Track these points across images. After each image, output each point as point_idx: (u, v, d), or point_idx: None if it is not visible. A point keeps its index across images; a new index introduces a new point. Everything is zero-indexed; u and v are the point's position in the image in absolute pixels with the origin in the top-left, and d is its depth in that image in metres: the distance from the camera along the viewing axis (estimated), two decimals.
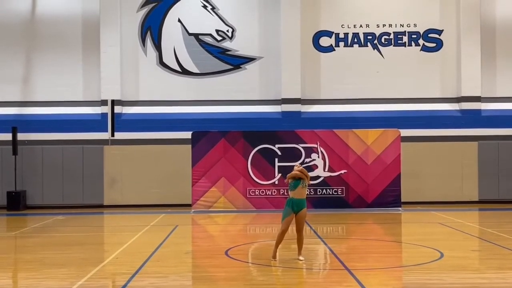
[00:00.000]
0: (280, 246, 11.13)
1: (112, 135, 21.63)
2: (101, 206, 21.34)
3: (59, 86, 21.95)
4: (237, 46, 22.28)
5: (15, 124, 21.10)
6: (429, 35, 22.39)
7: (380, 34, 22.38)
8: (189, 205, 19.87)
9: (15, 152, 20.89)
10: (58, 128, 21.56)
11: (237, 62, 22.30)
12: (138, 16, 22.24)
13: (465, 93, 21.96)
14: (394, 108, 21.96)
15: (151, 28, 22.26)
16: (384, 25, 22.42)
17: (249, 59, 22.30)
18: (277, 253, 11.16)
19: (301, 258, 10.90)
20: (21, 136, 21.12)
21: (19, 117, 21.68)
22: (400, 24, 22.43)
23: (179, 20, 22.30)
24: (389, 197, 19.50)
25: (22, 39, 22.14)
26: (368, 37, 22.36)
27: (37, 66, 22.14)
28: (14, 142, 20.88)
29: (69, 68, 22.03)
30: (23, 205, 20.96)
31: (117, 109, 21.75)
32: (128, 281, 9.32)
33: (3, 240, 14.57)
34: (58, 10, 22.21)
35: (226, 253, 11.80)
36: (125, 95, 22.07)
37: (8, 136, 20.97)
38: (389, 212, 19.07)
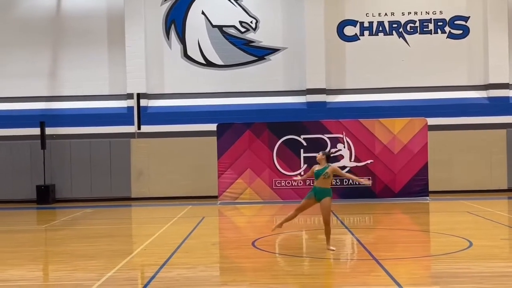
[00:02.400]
0: (306, 237, 11.10)
1: (139, 128, 21.79)
2: (129, 198, 21.54)
3: (85, 80, 22.17)
4: (261, 37, 22.24)
5: (43, 119, 21.38)
6: (455, 22, 22.08)
7: (406, 22, 22.14)
8: (215, 197, 19.95)
9: (43, 147, 21.17)
10: (85, 122, 21.79)
11: (261, 53, 22.27)
12: (162, 9, 22.32)
13: (492, 80, 21.64)
14: (421, 97, 21.74)
15: (175, 21, 22.32)
16: (409, 13, 22.17)
17: (273, 50, 22.24)
18: (283, 225, 11.32)
19: (332, 248, 10.82)
20: (49, 131, 21.39)
21: (46, 111, 21.94)
22: (426, 12, 22.16)
23: (202, 13, 22.32)
24: (417, 187, 19.32)
25: (49, 34, 22.38)
26: (393, 25, 22.14)
27: (64, 61, 22.37)
28: (43, 136, 21.16)
29: (95, 63, 22.22)
30: (52, 198, 21.25)
31: (143, 102, 21.89)
32: (157, 272, 9.40)
33: (33, 233, 14.79)
34: (84, 5, 22.39)
35: (253, 244, 11.83)
36: (151, 88, 22.20)
37: (36, 131, 21.25)
38: (417, 201, 18.92)
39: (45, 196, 21.05)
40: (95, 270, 9.70)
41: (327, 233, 10.92)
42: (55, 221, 17.11)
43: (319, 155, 11.20)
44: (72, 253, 11.43)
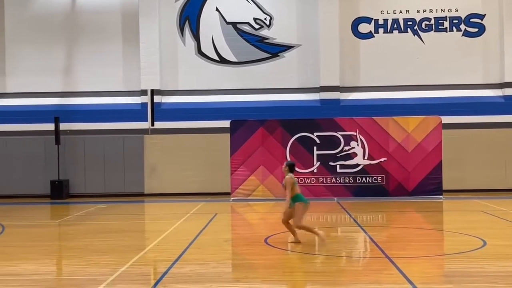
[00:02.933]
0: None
1: (152, 124, 21.85)
2: (142, 194, 21.63)
3: (99, 76, 22.27)
4: (275, 34, 22.20)
5: (57, 114, 21.50)
6: (471, 20, 21.92)
7: (421, 19, 22.01)
8: (228, 194, 19.97)
9: (57, 142, 21.30)
10: (99, 118, 21.88)
11: (275, 50, 22.24)
12: (177, 6, 22.35)
13: (508, 78, 21.47)
14: (435, 95, 21.61)
15: (189, 18, 22.35)
16: (424, 10, 22.03)
17: (287, 47, 22.20)
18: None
19: (293, 241, 11.44)
20: (63, 126, 21.52)
21: (61, 107, 22.06)
22: (441, 9, 22.02)
23: (217, 9, 22.33)
24: (430, 185, 19.23)
25: (64, 31, 22.50)
26: (408, 23, 22.02)
27: (78, 57, 22.48)
28: (57, 132, 21.28)
29: (109, 59, 22.31)
30: (66, 193, 21.38)
31: (157, 98, 21.95)
32: (169, 268, 9.42)
33: (47, 228, 14.88)
34: (98, 1, 22.48)
35: (265, 241, 11.82)
36: (164, 84, 22.25)
37: (50, 126, 21.38)
38: (430, 200, 18.83)
39: (59, 191, 21.18)
40: (108, 265, 9.74)
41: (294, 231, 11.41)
42: (68, 216, 17.20)
43: (283, 166, 11.77)
44: (85, 248, 11.49)
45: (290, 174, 11.55)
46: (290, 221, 11.65)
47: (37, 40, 22.43)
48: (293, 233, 11.66)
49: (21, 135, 21.84)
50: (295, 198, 11.44)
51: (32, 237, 13.10)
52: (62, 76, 22.51)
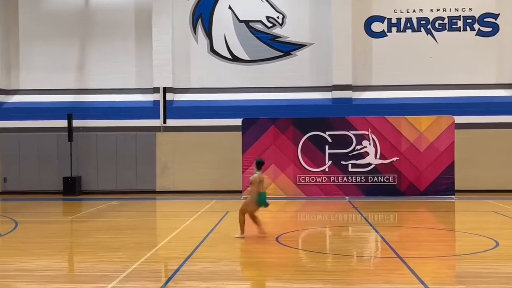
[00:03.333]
0: (330, 233, 11.08)
1: (164, 122, 21.91)
2: (154, 192, 21.70)
3: (112, 74, 22.35)
4: (287, 32, 22.19)
5: (70, 111, 21.61)
6: (484, 20, 21.79)
7: (434, 18, 21.91)
8: (239, 192, 19.99)
9: (70, 139, 21.41)
10: (112, 115, 21.97)
11: (287, 48, 22.22)
12: (189, 4, 22.38)
13: None
14: (448, 94, 21.51)
15: (202, 16, 22.38)
16: (438, 10, 21.93)
17: (300, 46, 22.18)
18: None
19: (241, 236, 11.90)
20: (76, 123, 21.63)
21: (74, 104, 22.18)
22: (455, 9, 21.90)
23: (229, 7, 22.34)
24: (443, 185, 19.16)
25: (77, 28, 22.60)
26: (422, 22, 21.93)
27: (92, 54, 22.58)
28: (70, 128, 21.40)
29: (122, 56, 22.40)
30: (78, 190, 21.50)
31: (169, 96, 22.01)
32: (181, 265, 9.45)
33: (59, 224, 14.97)
34: None
35: (277, 239, 11.83)
36: (177, 82, 22.30)
37: (64, 123, 21.50)
38: (442, 200, 18.75)
39: (72, 188, 21.30)
40: (120, 262, 9.80)
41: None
42: (81, 212, 17.30)
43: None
44: (98, 244, 11.56)
45: (258, 172, 11.95)
46: (256, 214, 12.13)
47: (51, 37, 22.56)
48: (259, 224, 12.13)
49: (34, 131, 21.98)
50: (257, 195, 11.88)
51: (45, 233, 13.20)
52: (76, 73, 22.62)
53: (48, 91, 22.40)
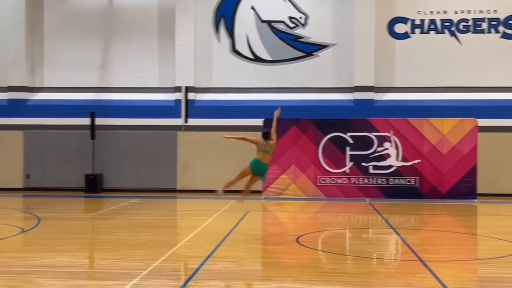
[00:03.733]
0: (350, 235, 11.04)
1: (186, 121, 22.00)
2: (174, 190, 21.80)
3: (135, 72, 22.50)
4: (310, 33, 22.15)
5: (93, 109, 21.79)
6: (509, 22, 21.55)
7: (458, 20, 21.72)
8: (259, 192, 19.98)
9: (93, 137, 21.59)
10: (134, 113, 22.11)
11: (309, 49, 22.18)
12: (212, 3, 22.44)
13: None
14: (472, 97, 21.30)
15: (225, 16, 22.43)
16: (462, 11, 21.73)
17: (322, 46, 22.12)
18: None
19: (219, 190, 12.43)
20: (98, 121, 21.80)
21: (97, 102, 22.36)
22: (480, 10, 21.69)
23: (252, 7, 22.36)
24: (465, 189, 18.99)
25: (101, 26, 22.79)
26: (445, 24, 21.75)
27: (115, 53, 22.75)
28: (92, 126, 21.58)
29: (145, 55, 22.53)
30: (100, 187, 21.66)
31: (191, 95, 22.09)
32: (201, 264, 9.48)
33: (81, 221, 15.11)
34: None
35: (297, 240, 11.82)
36: (199, 82, 22.37)
37: (86, 121, 21.69)
38: (464, 203, 18.59)
39: (93, 185, 21.47)
40: (141, 260, 9.85)
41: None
42: (102, 210, 17.44)
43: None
44: (118, 242, 11.64)
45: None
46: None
47: (75, 36, 22.76)
48: (245, 190, 12.72)
49: (57, 129, 22.20)
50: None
51: (66, 229, 13.32)
52: (99, 72, 22.80)
53: (71, 89, 22.61)
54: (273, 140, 12.42)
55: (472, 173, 18.99)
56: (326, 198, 19.48)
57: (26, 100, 22.60)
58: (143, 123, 22.05)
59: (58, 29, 22.86)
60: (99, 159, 21.94)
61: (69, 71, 22.67)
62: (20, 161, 22.32)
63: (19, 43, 22.46)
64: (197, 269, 9.14)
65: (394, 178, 19.27)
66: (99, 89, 22.68)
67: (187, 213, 17.84)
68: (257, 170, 12.16)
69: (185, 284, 8.29)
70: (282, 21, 22.25)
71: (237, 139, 13.07)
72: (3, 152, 22.32)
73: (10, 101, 22.49)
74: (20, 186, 22.22)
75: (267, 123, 19.75)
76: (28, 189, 22.07)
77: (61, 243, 11.48)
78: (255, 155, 12.41)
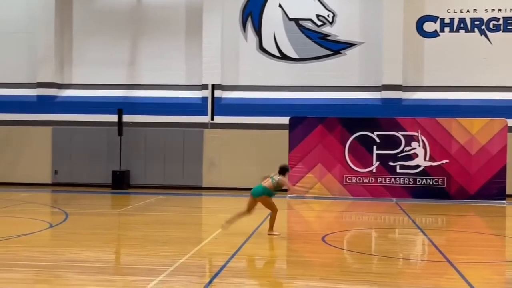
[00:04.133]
0: (376, 235, 10.95)
1: (212, 119, 22.05)
2: (200, 187, 21.87)
3: (162, 70, 22.63)
4: (337, 31, 22.04)
5: (121, 106, 21.97)
6: None
7: (488, 19, 21.42)
8: (285, 190, 19.90)
9: (120, 133, 21.77)
10: (161, 111, 22.23)
11: (337, 47, 22.06)
12: (240, 1, 22.45)
13: None
14: (501, 97, 21.00)
15: (252, 14, 22.42)
16: (493, 10, 21.43)
17: (349, 45, 21.99)
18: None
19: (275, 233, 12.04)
20: (126, 118, 21.97)
21: (124, 99, 22.53)
22: (510, 9, 21.38)
23: (279, 5, 22.32)
24: (493, 189, 18.73)
25: (129, 24, 22.95)
26: (475, 22, 21.46)
27: (142, 50, 22.90)
28: (120, 123, 21.75)
29: (172, 53, 22.64)
30: (126, 184, 21.84)
31: (217, 93, 22.14)
32: (227, 261, 9.49)
33: (107, 217, 15.25)
34: None
35: (323, 239, 11.77)
36: (225, 79, 22.40)
37: (114, 118, 21.86)
38: (493, 205, 18.34)
39: (120, 182, 21.65)
40: (167, 256, 9.90)
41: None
42: (128, 206, 17.57)
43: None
44: (145, 238, 11.71)
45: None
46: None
47: (103, 33, 22.97)
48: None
49: (85, 125, 22.44)
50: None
51: (94, 225, 13.45)
52: (127, 69, 22.97)
53: (99, 86, 22.82)
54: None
55: (501, 174, 18.73)
56: (352, 197, 19.37)
57: (54, 97, 22.87)
58: (169, 120, 22.16)
59: (87, 27, 23.09)
60: (126, 155, 22.12)
61: (97, 68, 22.88)
62: (49, 157, 22.62)
63: (48, 40, 22.74)
64: (223, 266, 9.15)
65: (422, 178, 19.08)
66: (127, 86, 22.86)
67: (212, 210, 17.88)
68: (253, 192, 12.40)
69: (210, 281, 8.31)
70: (310, 19, 22.17)
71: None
72: (32, 147, 22.63)
73: (39, 97, 22.78)
74: (48, 181, 22.53)
75: (293, 121, 19.77)
76: (56, 185, 22.35)
77: (89, 238, 11.60)
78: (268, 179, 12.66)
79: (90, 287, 8.01)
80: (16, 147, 22.73)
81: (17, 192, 20.02)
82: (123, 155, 22.02)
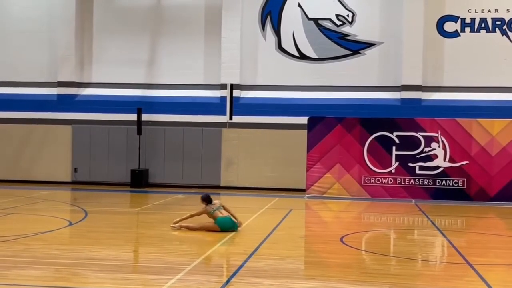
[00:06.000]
0: (394, 236, 10.86)
1: (230, 118, 22.07)
2: (218, 187, 21.90)
3: (181, 69, 22.68)
4: (356, 31, 21.93)
5: (140, 105, 22.07)
6: None
7: (510, 19, 21.21)
8: (303, 190, 19.93)
9: (139, 132, 21.87)
10: (180, 110, 22.30)
11: (356, 47, 21.96)
12: (259, 1, 22.44)
13: None
14: None
15: (271, 13, 22.39)
16: None
17: (369, 45, 21.88)
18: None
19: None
20: (145, 117, 22.07)
21: (143, 98, 22.63)
22: None
23: (299, 5, 22.27)
24: None
25: (149, 23, 23.05)
26: (497, 23, 21.24)
27: (162, 50, 22.97)
28: (139, 122, 21.85)
29: (191, 52, 22.69)
30: (145, 182, 21.94)
31: (236, 93, 22.15)
32: (245, 261, 9.49)
33: (126, 216, 15.32)
34: None
35: (341, 239, 11.72)
36: (244, 79, 22.40)
37: (133, 117, 21.97)
38: None
39: (139, 180, 21.75)
40: (185, 255, 9.92)
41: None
42: (147, 204, 17.65)
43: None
44: (163, 237, 11.75)
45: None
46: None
47: (123, 32, 23.09)
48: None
49: (105, 124, 22.58)
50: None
51: (113, 223, 13.54)
52: (146, 68, 23.07)
53: (119, 85, 22.94)
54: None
55: None
56: (370, 198, 19.27)
57: (74, 95, 23.04)
58: (188, 119, 22.22)
59: (107, 26, 23.23)
60: (144, 154, 22.22)
61: (117, 67, 23.01)
62: (69, 155, 22.80)
63: (68, 39, 22.91)
64: (241, 266, 9.15)
65: (441, 180, 18.92)
66: (146, 85, 22.96)
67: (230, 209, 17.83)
68: (227, 226, 12.20)
69: (228, 280, 8.31)
70: (329, 19, 22.09)
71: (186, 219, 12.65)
72: (52, 146, 22.83)
73: (59, 96, 22.97)
74: (68, 179, 22.70)
75: (312, 121, 19.72)
76: (75, 183, 22.52)
77: (108, 237, 11.67)
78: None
79: (108, 285, 8.04)
80: (37, 146, 22.94)
81: (37, 190, 20.20)
82: (142, 154, 22.12)
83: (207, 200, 12.66)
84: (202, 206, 12.58)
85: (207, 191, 20.94)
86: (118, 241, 11.23)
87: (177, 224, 12.41)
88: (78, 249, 10.25)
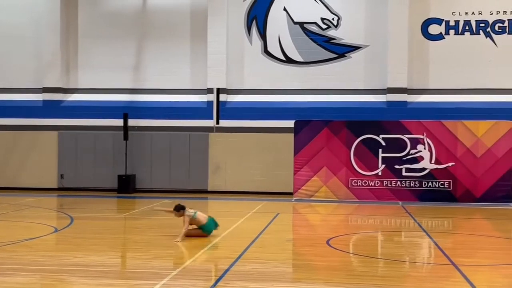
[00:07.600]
0: (381, 238, 10.90)
1: (217, 122, 22.06)
2: (205, 191, 21.86)
3: (167, 74, 22.65)
4: (342, 34, 22.01)
5: (126, 110, 22.01)
6: None
7: (494, 21, 21.35)
8: (290, 194, 19.95)
9: (126, 138, 21.80)
10: (166, 115, 22.27)
11: (342, 50, 22.04)
12: (245, 5, 22.47)
13: None
14: (507, 99, 20.90)
15: (257, 17, 22.43)
16: (498, 12, 21.36)
17: (354, 48, 21.97)
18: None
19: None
20: (131, 122, 22.01)
21: (130, 103, 22.57)
22: None
23: (284, 9, 22.33)
24: (500, 192, 18.67)
25: (134, 28, 23.00)
26: (481, 25, 21.40)
27: (148, 55, 22.94)
28: (125, 127, 21.78)
29: (177, 57, 22.66)
30: (132, 188, 21.86)
31: (222, 97, 22.14)
32: (231, 265, 9.48)
33: (113, 221, 15.26)
34: (169, 0, 22.85)
35: (327, 242, 11.73)
36: (230, 83, 22.41)
37: (119, 122, 21.91)
38: (499, 207, 18.26)
39: (126, 186, 21.67)
40: (171, 260, 9.91)
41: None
42: (134, 210, 17.58)
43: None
44: (150, 242, 11.70)
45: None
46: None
47: (108, 37, 23.02)
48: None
49: (91, 129, 22.49)
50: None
51: (99, 229, 13.46)
52: (132, 73, 23.01)
53: (105, 90, 22.87)
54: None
55: (507, 177, 18.66)
56: (358, 200, 19.32)
57: (60, 101, 22.94)
58: (175, 124, 22.20)
59: (93, 31, 23.15)
60: (131, 159, 22.15)
61: (103, 73, 22.93)
62: (54, 162, 22.68)
63: (54, 45, 22.82)
64: (227, 270, 9.13)
65: (427, 181, 19.02)
66: (132, 91, 22.90)
67: (218, 214, 17.66)
68: (212, 228, 12.36)
69: (214, 284, 8.29)
70: (315, 23, 22.16)
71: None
72: (38, 152, 22.70)
73: (45, 102, 22.85)
74: (54, 186, 22.58)
75: (298, 124, 19.75)
76: (62, 189, 22.40)
77: (94, 243, 11.61)
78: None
79: None
80: (22, 152, 22.80)
81: (23, 196, 20.07)
82: (128, 159, 22.04)
83: (182, 207, 12.48)
84: (182, 216, 12.36)
85: (195, 195, 21.05)
86: (104, 247, 11.17)
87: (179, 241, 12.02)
88: (64, 256, 10.19)
